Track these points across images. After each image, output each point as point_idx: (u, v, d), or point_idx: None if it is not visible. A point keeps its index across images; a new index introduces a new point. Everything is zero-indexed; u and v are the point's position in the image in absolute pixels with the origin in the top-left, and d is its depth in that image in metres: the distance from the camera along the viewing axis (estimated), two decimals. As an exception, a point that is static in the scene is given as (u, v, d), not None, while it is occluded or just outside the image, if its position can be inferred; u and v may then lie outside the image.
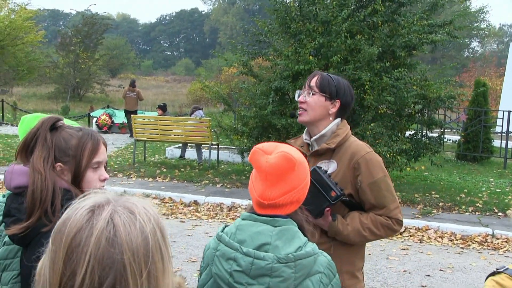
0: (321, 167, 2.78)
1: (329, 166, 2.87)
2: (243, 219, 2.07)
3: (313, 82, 2.92)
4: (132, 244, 1.13)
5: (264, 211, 2.03)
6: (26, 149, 2.17)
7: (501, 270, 1.84)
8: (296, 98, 3.02)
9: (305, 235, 2.05)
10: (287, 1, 11.33)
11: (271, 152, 2.02)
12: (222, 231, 2.10)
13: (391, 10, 10.52)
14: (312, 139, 2.95)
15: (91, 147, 2.21)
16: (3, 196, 2.52)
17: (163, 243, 1.20)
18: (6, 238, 2.32)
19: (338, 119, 2.95)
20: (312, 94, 2.90)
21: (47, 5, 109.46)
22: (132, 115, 15.68)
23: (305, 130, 3.02)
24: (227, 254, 1.99)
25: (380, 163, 2.87)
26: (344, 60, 10.12)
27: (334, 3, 10.30)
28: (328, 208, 2.75)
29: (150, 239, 1.16)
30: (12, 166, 2.20)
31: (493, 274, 1.87)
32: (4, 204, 2.25)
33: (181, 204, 10.02)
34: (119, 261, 1.11)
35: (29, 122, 2.59)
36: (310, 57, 10.17)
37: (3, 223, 2.24)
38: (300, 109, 2.94)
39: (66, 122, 2.33)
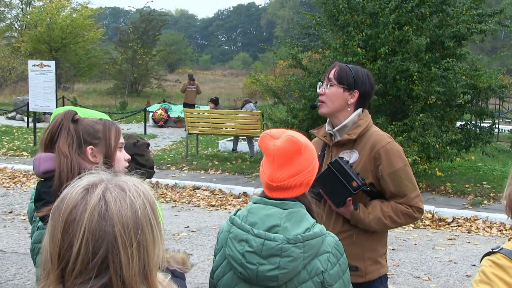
0: (343, 158, 2.85)
1: (351, 156, 2.92)
2: (254, 203, 2.17)
3: (331, 74, 2.98)
4: (122, 217, 1.26)
5: (273, 193, 2.13)
6: (51, 139, 2.36)
7: (497, 250, 1.83)
8: (317, 90, 3.09)
9: (313, 217, 2.14)
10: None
11: (278, 136, 2.13)
12: (234, 214, 2.21)
13: (439, 0, 10.37)
14: (334, 130, 3.00)
15: (115, 130, 2.43)
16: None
17: (153, 217, 1.33)
18: (40, 223, 2.52)
19: (360, 110, 2.99)
20: (330, 85, 2.96)
21: (107, 3, 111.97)
22: (184, 109, 15.94)
23: (327, 120, 3.07)
24: (239, 236, 2.10)
25: (400, 152, 2.92)
26: (392, 51, 10.05)
27: (381, -5, 10.25)
28: (350, 198, 2.83)
29: (140, 213, 1.29)
30: (39, 154, 2.38)
31: (488, 254, 1.86)
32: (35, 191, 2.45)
33: (231, 195, 10.18)
34: (110, 233, 1.25)
35: None
36: (358, 49, 10.17)
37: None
38: (320, 101, 3.00)
39: (87, 114, 2.52)
